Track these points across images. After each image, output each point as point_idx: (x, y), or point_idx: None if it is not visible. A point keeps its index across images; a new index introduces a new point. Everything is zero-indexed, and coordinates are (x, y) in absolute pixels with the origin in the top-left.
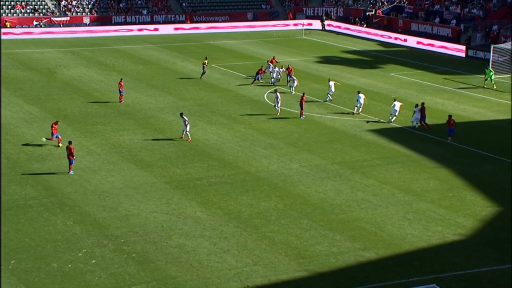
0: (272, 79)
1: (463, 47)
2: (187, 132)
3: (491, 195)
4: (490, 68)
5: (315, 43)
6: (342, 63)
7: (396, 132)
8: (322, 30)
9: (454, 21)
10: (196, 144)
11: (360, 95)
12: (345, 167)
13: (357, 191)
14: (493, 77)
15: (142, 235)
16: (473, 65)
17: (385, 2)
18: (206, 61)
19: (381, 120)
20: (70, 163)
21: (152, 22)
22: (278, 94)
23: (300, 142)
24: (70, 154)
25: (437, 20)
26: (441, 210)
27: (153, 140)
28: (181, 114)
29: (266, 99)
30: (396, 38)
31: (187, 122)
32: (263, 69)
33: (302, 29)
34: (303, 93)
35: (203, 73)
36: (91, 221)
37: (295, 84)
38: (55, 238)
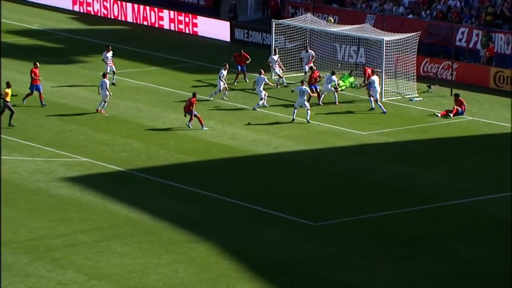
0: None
1: (227, 24)
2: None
3: (290, 281)
4: (347, 74)
5: None
6: (8, 54)
7: (116, 180)
8: None
9: None
10: None
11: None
12: (18, 251)
13: None
14: (342, 83)
15: None
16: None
17: None
18: None
19: None
20: None
21: None
22: None
23: None
24: None
25: None
26: None
27: None
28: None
29: None
30: (108, 9)
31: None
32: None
33: None
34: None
35: None
36: None
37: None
38: None
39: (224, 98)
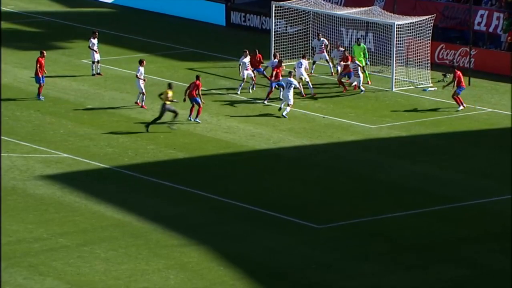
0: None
1: (222, 7)
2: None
3: None
4: (361, 44)
5: None
6: None
7: (100, 178)
8: None
9: None
10: None
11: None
12: None
13: None
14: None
15: None
16: (241, 39)
17: None
18: None
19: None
20: None
21: None
22: None
23: None
24: None
25: None
26: None
27: None
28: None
29: None
30: None
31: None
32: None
33: None
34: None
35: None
36: None
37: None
38: None
39: (254, 89)
